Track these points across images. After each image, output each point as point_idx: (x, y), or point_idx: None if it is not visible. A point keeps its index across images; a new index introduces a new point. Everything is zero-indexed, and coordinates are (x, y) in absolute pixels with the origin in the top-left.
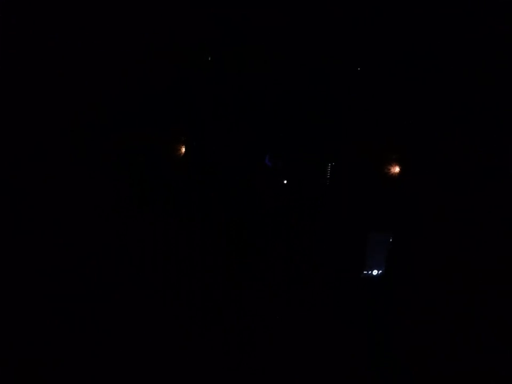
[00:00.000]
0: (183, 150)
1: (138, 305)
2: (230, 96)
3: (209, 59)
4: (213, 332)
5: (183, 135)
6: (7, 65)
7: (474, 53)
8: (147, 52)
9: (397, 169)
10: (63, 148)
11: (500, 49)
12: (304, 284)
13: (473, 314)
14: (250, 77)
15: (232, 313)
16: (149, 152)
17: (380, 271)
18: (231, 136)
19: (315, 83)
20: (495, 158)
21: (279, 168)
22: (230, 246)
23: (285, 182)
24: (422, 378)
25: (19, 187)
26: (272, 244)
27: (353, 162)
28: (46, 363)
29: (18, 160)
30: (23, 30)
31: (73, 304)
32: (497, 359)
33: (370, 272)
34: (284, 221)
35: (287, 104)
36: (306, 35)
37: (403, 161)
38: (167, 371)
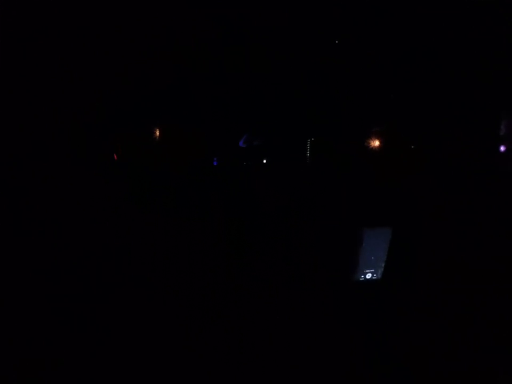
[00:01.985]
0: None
1: (138, 305)
2: (229, 95)
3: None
4: (212, 332)
5: (182, 134)
6: (7, 65)
7: (474, 52)
8: (146, 51)
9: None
10: (63, 148)
11: (500, 49)
12: (302, 283)
13: (474, 315)
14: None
15: (232, 313)
16: (148, 151)
17: (376, 275)
18: (231, 135)
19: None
20: (494, 157)
21: (255, 147)
22: (230, 246)
23: (264, 161)
24: (422, 379)
25: (19, 187)
26: (271, 243)
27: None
28: (46, 363)
29: (18, 160)
30: (22, 30)
31: (73, 304)
32: (497, 359)
33: (364, 276)
34: (280, 218)
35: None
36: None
37: (400, 153)
38: (167, 371)
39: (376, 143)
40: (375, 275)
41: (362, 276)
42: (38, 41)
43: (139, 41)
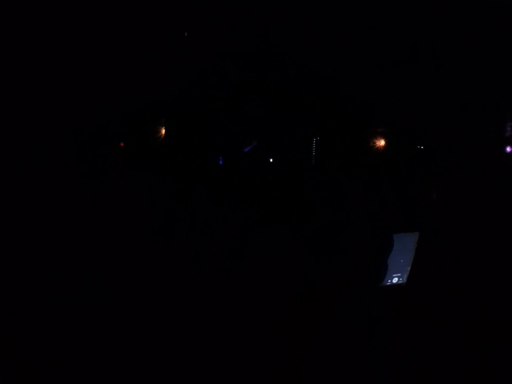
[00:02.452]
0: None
1: (137, 305)
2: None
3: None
4: (212, 332)
5: (182, 134)
6: (7, 65)
7: (478, 53)
8: (147, 52)
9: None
10: (63, 148)
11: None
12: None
13: (502, 318)
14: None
15: (233, 312)
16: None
17: (401, 279)
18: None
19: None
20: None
21: (257, 148)
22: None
23: (271, 160)
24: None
25: (19, 187)
26: (297, 249)
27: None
28: (46, 363)
29: (18, 161)
30: (23, 30)
31: (73, 304)
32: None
33: (390, 281)
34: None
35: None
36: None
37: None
38: (166, 370)
39: (382, 142)
40: (401, 279)
41: (389, 281)
42: (37, 41)
43: (147, 42)
